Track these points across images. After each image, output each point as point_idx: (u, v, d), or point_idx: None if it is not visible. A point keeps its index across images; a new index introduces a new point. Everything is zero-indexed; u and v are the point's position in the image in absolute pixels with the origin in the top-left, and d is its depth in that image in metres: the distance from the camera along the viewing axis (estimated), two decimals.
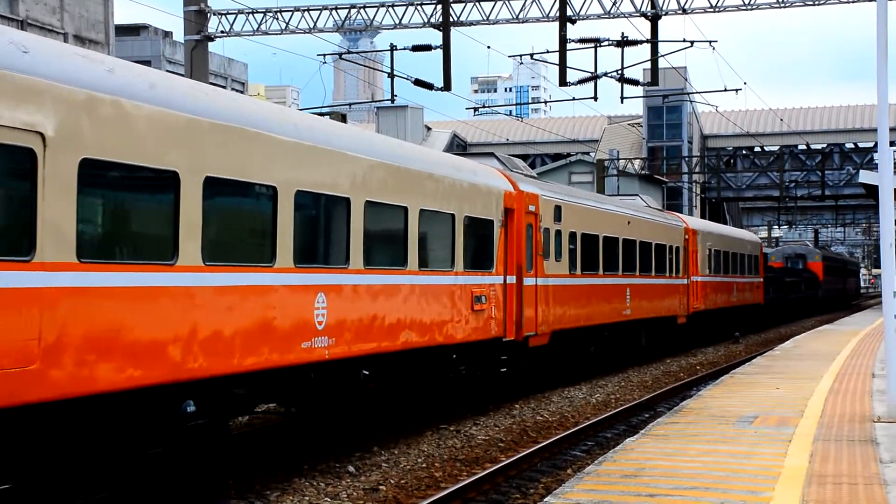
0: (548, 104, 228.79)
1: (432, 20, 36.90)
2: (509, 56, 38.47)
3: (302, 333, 13.04)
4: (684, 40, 33.48)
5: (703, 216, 75.77)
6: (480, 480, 13.73)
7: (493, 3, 36.11)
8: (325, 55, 35.65)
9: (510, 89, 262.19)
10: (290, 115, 13.73)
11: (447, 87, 33.25)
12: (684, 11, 34.76)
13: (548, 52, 34.06)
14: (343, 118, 22.78)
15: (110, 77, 10.23)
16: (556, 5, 33.91)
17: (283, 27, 39.17)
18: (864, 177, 26.01)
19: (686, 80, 62.73)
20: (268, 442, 16.24)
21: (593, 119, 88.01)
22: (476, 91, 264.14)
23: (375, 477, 14.15)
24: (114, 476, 10.83)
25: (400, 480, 14.04)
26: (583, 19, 35.64)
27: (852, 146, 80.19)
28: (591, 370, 27.38)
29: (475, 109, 43.70)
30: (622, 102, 37.94)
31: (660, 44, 34.03)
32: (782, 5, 34.39)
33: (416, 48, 33.96)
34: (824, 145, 78.57)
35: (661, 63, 35.07)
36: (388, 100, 35.77)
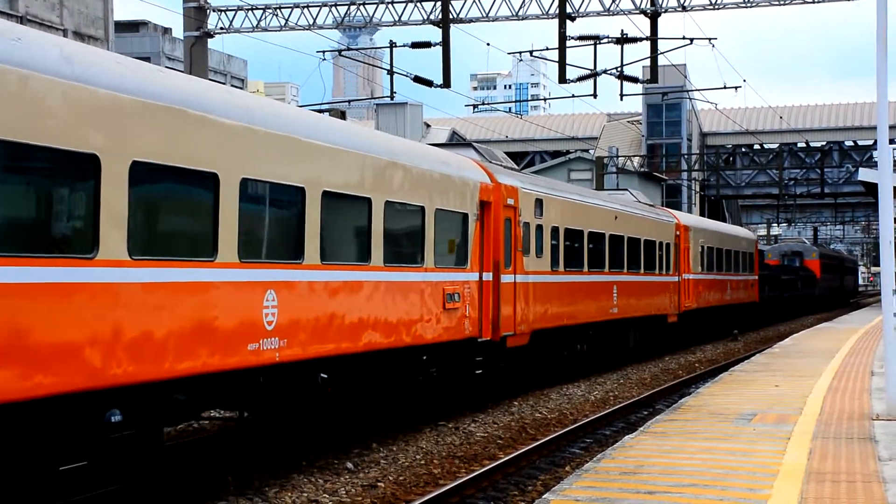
0: (547, 101, 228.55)
1: (432, 17, 36.89)
2: (509, 53, 38.47)
3: (248, 334, 12.02)
4: (684, 38, 33.47)
5: (702, 214, 75.77)
6: (479, 477, 13.73)
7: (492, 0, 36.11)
8: (324, 52, 35.65)
9: (509, 86, 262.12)
10: (240, 98, 12.69)
11: (446, 84, 33.24)
12: (684, 9, 34.75)
13: (547, 49, 34.06)
14: (342, 115, 22.77)
15: (17, 48, 9.18)
16: (556, 2, 33.91)
17: (283, 24, 39.14)
18: (864, 174, 25.97)
19: (685, 77, 62.71)
20: (267, 439, 16.23)
21: (593, 116, 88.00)
22: (475, 88, 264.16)
23: (374, 473, 14.15)
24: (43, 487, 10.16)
25: (398, 477, 14.03)
26: (582, 16, 35.64)
27: (852, 144, 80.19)
28: (575, 371, 26.52)
29: (474, 106, 43.71)
30: (622, 100, 37.87)
31: (659, 41, 34.04)
32: (782, 3, 34.39)
33: (415, 45, 33.96)
34: (824, 143, 78.56)
35: (661, 60, 35.07)
36: (387, 97, 35.75)
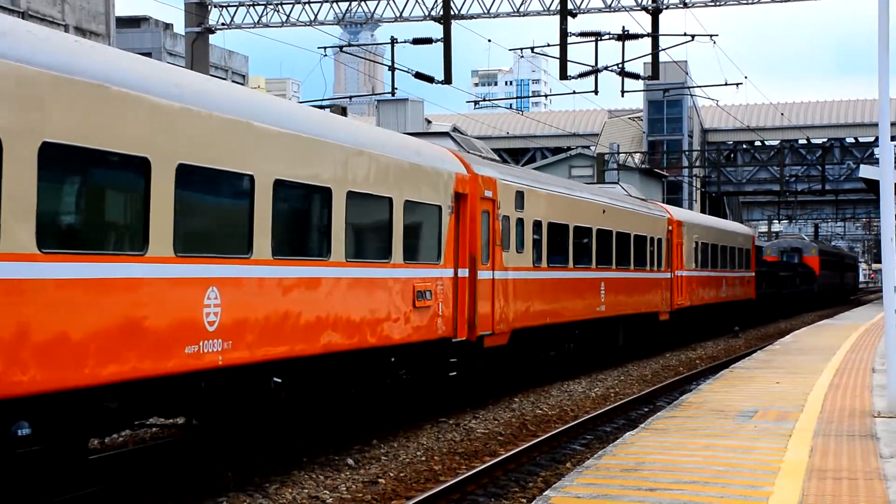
0: (548, 98, 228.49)
1: (433, 13, 36.87)
2: (510, 49, 38.45)
3: (186, 336, 10.95)
4: (685, 34, 33.45)
5: (703, 210, 75.75)
6: (479, 474, 13.72)
7: None
8: (325, 48, 35.62)
9: (511, 83, 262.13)
10: (176, 74, 11.47)
11: (448, 80, 33.22)
12: (685, 5, 34.72)
13: (548, 45, 34.07)
14: (343, 111, 22.80)
15: None
16: None
17: (284, 19, 39.13)
18: (865, 171, 25.98)
19: (687, 74, 62.71)
20: (267, 435, 16.22)
21: (594, 113, 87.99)
22: (476, 84, 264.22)
23: (374, 470, 14.14)
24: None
25: (399, 473, 14.03)
26: (583, 13, 35.62)
27: (853, 141, 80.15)
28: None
29: (476, 103, 43.71)
30: (623, 96, 37.87)
31: (660, 38, 34.02)
32: None
33: (416, 41, 33.94)
34: (825, 140, 78.55)
35: (662, 57, 35.06)
36: (388, 93, 35.76)
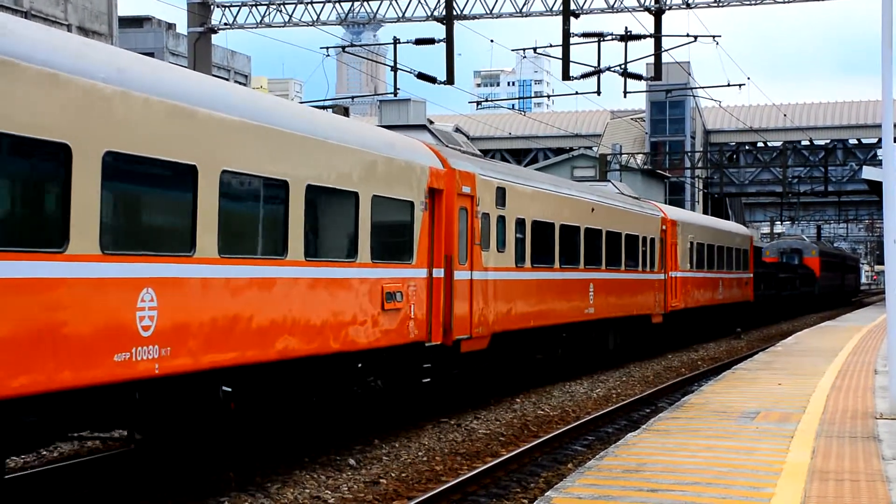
0: (551, 98, 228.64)
1: (435, 14, 36.89)
2: (512, 50, 38.46)
3: (114, 342, 9.91)
4: (688, 35, 33.44)
5: (705, 211, 75.71)
6: (481, 474, 13.71)
7: None
8: (328, 48, 35.62)
9: (513, 83, 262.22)
10: (102, 52, 10.33)
11: (450, 80, 33.22)
12: (688, 6, 34.73)
13: (551, 46, 34.04)
14: (346, 111, 22.77)
15: None
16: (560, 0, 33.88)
17: (287, 20, 39.16)
18: (868, 173, 25.96)
19: (689, 74, 62.70)
20: (268, 434, 16.22)
21: (596, 113, 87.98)
22: (479, 85, 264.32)
23: (376, 470, 14.14)
24: None
25: (401, 474, 14.02)
26: (586, 13, 35.66)
27: (856, 142, 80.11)
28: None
29: (478, 103, 43.79)
30: (625, 97, 37.85)
31: (663, 38, 34.02)
32: (786, 0, 34.36)
33: (419, 41, 33.93)
34: (827, 141, 78.51)
35: (665, 58, 35.07)
36: (390, 93, 35.72)
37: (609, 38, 33.14)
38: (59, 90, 9.38)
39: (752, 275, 47.36)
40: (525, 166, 53.58)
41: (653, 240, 31.06)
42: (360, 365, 15.18)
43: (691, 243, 35.83)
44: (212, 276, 11.37)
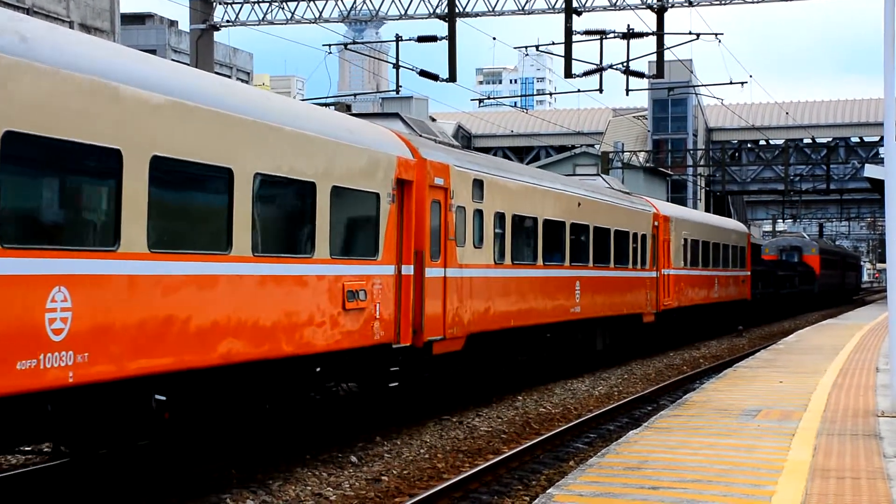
0: (553, 96, 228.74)
1: (438, 11, 36.91)
2: (515, 48, 38.53)
3: (16, 349, 8.81)
4: (690, 33, 33.44)
5: (707, 209, 75.72)
6: (483, 472, 13.72)
7: None
8: (330, 45, 35.64)
9: (515, 81, 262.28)
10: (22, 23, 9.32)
11: (452, 78, 33.24)
12: (690, 4, 34.74)
13: (553, 43, 34.04)
14: (348, 108, 22.78)
15: None
16: None
17: (289, 17, 39.18)
18: (870, 171, 25.93)
19: (691, 72, 62.63)
20: (270, 431, 16.25)
21: (598, 111, 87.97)
22: (481, 82, 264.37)
23: (378, 467, 14.15)
24: None
25: (402, 471, 14.04)
26: (588, 11, 35.70)
27: (858, 140, 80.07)
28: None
29: (480, 101, 43.67)
30: (627, 95, 37.85)
31: (665, 36, 34.05)
32: None
33: (421, 39, 33.94)
34: (830, 139, 78.48)
35: (667, 56, 35.10)
36: (392, 90, 35.75)
37: (611, 35, 33.15)
38: None
39: (749, 273, 46.33)
40: (527, 164, 53.54)
41: (644, 236, 30.08)
42: (318, 369, 13.99)
43: (685, 240, 34.83)
44: (140, 273, 10.24)
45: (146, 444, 13.54)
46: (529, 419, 18.97)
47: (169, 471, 13.24)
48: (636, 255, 29.13)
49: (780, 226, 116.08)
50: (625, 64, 34.17)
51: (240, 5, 39.07)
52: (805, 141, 77.59)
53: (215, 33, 39.50)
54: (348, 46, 36.80)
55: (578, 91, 37.56)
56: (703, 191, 77.87)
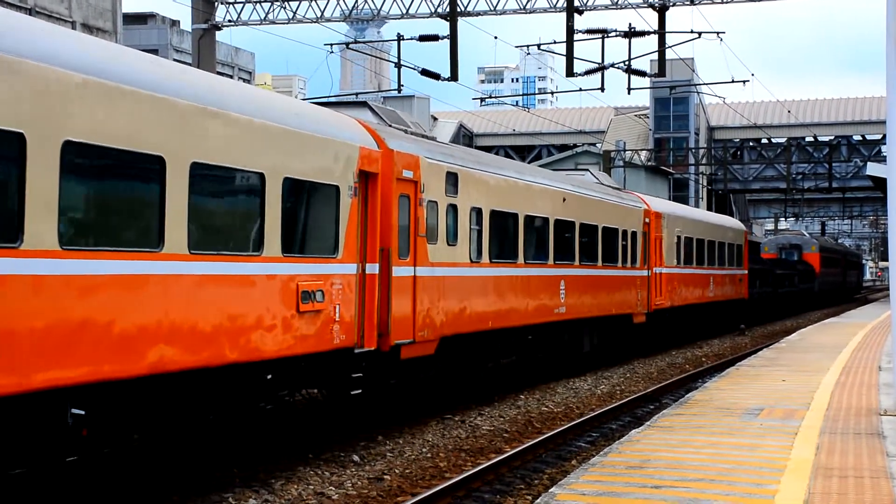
0: (554, 95, 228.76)
1: (439, 10, 36.90)
2: (516, 46, 38.47)
3: None
4: (692, 31, 33.41)
5: (709, 208, 75.67)
6: (485, 471, 13.72)
7: None
8: (332, 45, 35.64)
9: (517, 80, 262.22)
10: None
11: (454, 77, 33.22)
12: (692, 2, 34.72)
13: (555, 42, 34.01)
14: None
15: None
16: None
17: (291, 16, 39.17)
18: (872, 169, 25.92)
19: (693, 71, 62.63)
20: (271, 430, 16.25)
21: (600, 110, 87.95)
22: (483, 81, 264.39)
23: (380, 466, 14.15)
24: None
25: (405, 470, 14.04)
26: (590, 10, 35.67)
27: (860, 138, 79.99)
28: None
29: (482, 100, 43.65)
30: (629, 93, 37.84)
31: (667, 35, 34.03)
32: None
33: (423, 38, 33.93)
34: (832, 137, 78.43)
35: (669, 54, 35.08)
36: (394, 90, 35.73)
37: (613, 34, 33.12)
38: None
39: (746, 271, 45.09)
40: (529, 163, 53.50)
41: (634, 233, 28.95)
42: (269, 377, 12.88)
43: (678, 237, 33.66)
44: (48, 272, 9.15)
45: (145, 445, 13.54)
46: (532, 418, 18.96)
47: (170, 469, 13.25)
48: (626, 253, 28.12)
49: (783, 224, 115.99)
50: (626, 63, 34.14)
51: (241, 5, 39.07)
52: (807, 139, 77.53)
53: (217, 33, 39.50)
54: (350, 46, 36.78)
55: (580, 90, 37.53)
56: (705, 189, 77.84)
